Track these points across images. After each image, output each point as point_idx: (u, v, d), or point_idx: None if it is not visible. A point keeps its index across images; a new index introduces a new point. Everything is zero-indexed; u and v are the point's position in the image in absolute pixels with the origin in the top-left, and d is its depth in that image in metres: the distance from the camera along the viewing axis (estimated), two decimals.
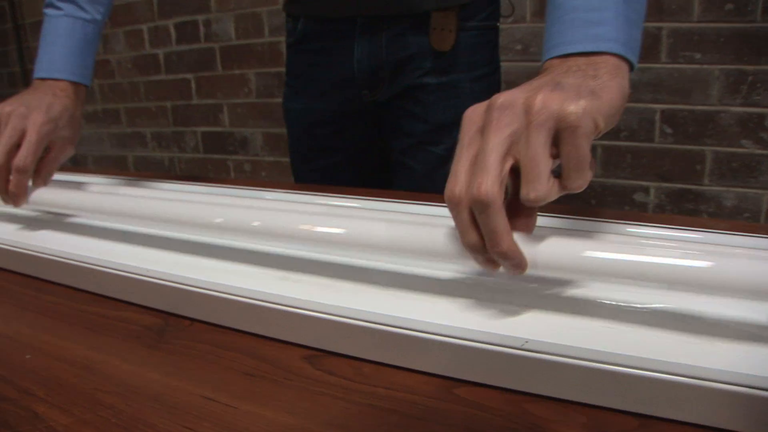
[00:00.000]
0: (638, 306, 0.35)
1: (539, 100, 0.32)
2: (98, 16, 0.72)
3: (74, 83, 0.68)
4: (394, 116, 0.81)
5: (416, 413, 0.30)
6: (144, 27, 2.13)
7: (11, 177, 0.58)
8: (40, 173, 0.62)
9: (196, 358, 0.37)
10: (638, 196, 1.52)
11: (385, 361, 0.35)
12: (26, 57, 2.54)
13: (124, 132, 2.33)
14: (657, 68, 1.42)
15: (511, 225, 0.32)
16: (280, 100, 1.87)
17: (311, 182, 0.90)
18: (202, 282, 0.42)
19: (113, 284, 0.46)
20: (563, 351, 0.30)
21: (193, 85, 2.07)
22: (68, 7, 0.69)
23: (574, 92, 0.33)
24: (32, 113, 0.60)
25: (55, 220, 0.63)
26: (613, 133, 1.48)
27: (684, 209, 1.48)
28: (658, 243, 0.36)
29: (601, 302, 0.36)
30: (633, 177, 1.51)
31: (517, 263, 0.33)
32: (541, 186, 0.32)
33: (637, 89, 1.43)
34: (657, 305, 0.35)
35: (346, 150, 0.87)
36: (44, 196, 0.60)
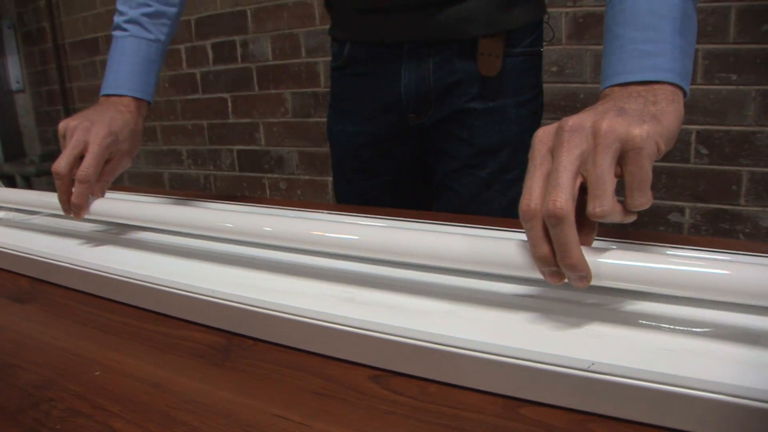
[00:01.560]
0: (697, 330, 0.36)
1: (606, 123, 0.35)
2: (162, 37, 0.75)
3: (136, 99, 0.71)
4: (439, 139, 0.82)
5: None
6: (182, 47, 2.19)
7: (74, 188, 0.61)
8: (98, 183, 0.64)
9: (263, 378, 0.38)
10: (673, 217, 1.53)
11: (451, 382, 0.35)
12: (65, 76, 2.62)
13: (160, 149, 2.38)
14: (692, 89, 1.43)
15: None
16: (316, 119, 1.92)
17: (352, 203, 0.91)
18: (267, 303, 0.42)
19: (177, 304, 0.47)
20: (628, 373, 0.30)
21: (229, 104, 2.12)
22: (134, 29, 0.73)
23: (637, 117, 0.36)
24: (95, 126, 0.62)
25: (115, 238, 0.64)
26: None
27: (720, 230, 1.49)
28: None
29: (660, 322, 0.37)
30: (668, 198, 1.52)
31: (584, 275, 0.35)
32: (606, 202, 0.34)
33: None
34: (717, 325, 0.36)
35: (388, 172, 0.88)
36: (105, 207, 0.62)
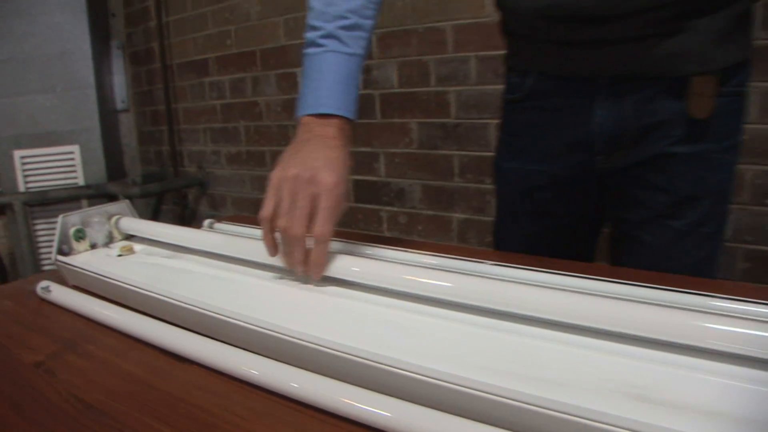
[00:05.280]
0: None
1: None
2: (360, 51, 0.70)
3: (341, 121, 0.65)
4: (628, 185, 0.76)
5: None
6: (297, 71, 2.10)
7: (313, 247, 0.57)
8: None
9: None
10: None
11: None
12: (171, 96, 2.58)
13: (268, 175, 2.29)
14: None
15: None
16: (444, 152, 1.78)
17: (514, 246, 0.86)
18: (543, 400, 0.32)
19: None
20: None
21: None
22: (331, 43, 0.68)
23: None
24: (320, 174, 0.58)
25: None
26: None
27: None
28: None
29: None
30: None
31: None
32: None
33: None
34: None
35: (565, 216, 0.82)
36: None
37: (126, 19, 2.74)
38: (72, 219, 0.78)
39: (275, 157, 2.25)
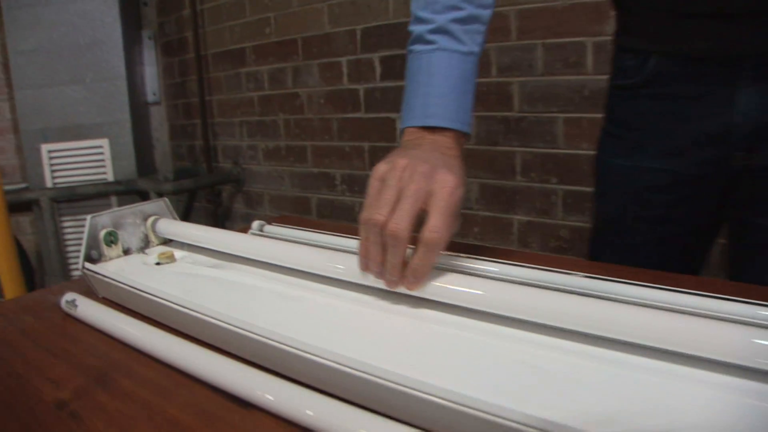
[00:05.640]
0: None
1: None
2: (476, 48, 0.60)
3: (455, 134, 0.56)
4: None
5: None
6: (342, 60, 1.96)
7: (418, 251, 0.46)
8: None
9: None
10: None
11: None
12: (205, 88, 2.46)
13: (309, 171, 2.17)
14: None
15: None
16: (505, 148, 1.64)
17: (616, 257, 0.75)
18: None
19: None
20: None
21: (397, 125, 1.87)
22: (442, 40, 0.58)
23: None
24: (438, 170, 0.48)
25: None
26: None
27: None
28: None
29: None
30: None
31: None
32: None
33: None
34: None
35: (680, 224, 0.71)
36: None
37: (158, 7, 2.63)
38: (102, 220, 0.68)
39: (317, 152, 2.13)
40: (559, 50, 1.51)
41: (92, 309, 0.55)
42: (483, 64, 1.69)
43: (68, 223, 2.39)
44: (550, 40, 1.53)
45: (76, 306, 0.57)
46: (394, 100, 1.86)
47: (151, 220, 0.77)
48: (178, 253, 0.71)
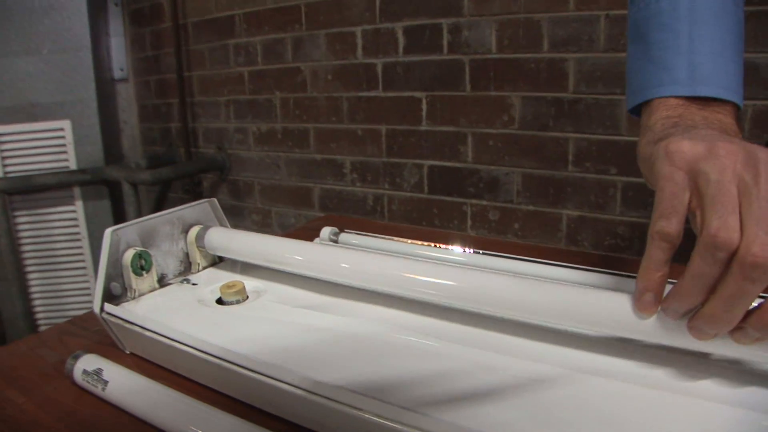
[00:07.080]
0: None
1: None
2: None
3: (734, 110, 0.42)
4: None
5: None
6: (357, 29, 1.70)
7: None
8: None
9: None
10: None
11: None
12: (183, 63, 2.15)
13: (311, 158, 1.90)
14: None
15: None
16: (555, 134, 1.43)
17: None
18: None
19: None
20: None
21: (424, 105, 1.63)
22: None
23: None
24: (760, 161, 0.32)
25: None
26: None
27: None
28: None
29: None
30: None
31: None
32: None
33: None
34: None
35: None
36: None
37: None
38: (127, 235, 0.48)
39: (321, 136, 1.86)
40: (626, 22, 1.31)
41: (130, 383, 0.36)
42: (533, 37, 1.48)
43: (23, 219, 2.05)
44: (616, 11, 1.31)
45: (104, 381, 0.37)
46: (420, 77, 1.62)
47: (195, 231, 0.54)
48: (247, 283, 0.50)
